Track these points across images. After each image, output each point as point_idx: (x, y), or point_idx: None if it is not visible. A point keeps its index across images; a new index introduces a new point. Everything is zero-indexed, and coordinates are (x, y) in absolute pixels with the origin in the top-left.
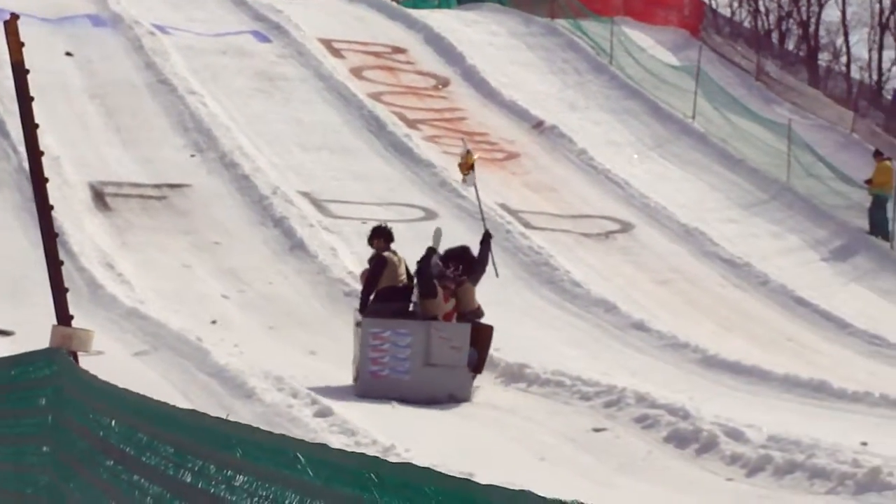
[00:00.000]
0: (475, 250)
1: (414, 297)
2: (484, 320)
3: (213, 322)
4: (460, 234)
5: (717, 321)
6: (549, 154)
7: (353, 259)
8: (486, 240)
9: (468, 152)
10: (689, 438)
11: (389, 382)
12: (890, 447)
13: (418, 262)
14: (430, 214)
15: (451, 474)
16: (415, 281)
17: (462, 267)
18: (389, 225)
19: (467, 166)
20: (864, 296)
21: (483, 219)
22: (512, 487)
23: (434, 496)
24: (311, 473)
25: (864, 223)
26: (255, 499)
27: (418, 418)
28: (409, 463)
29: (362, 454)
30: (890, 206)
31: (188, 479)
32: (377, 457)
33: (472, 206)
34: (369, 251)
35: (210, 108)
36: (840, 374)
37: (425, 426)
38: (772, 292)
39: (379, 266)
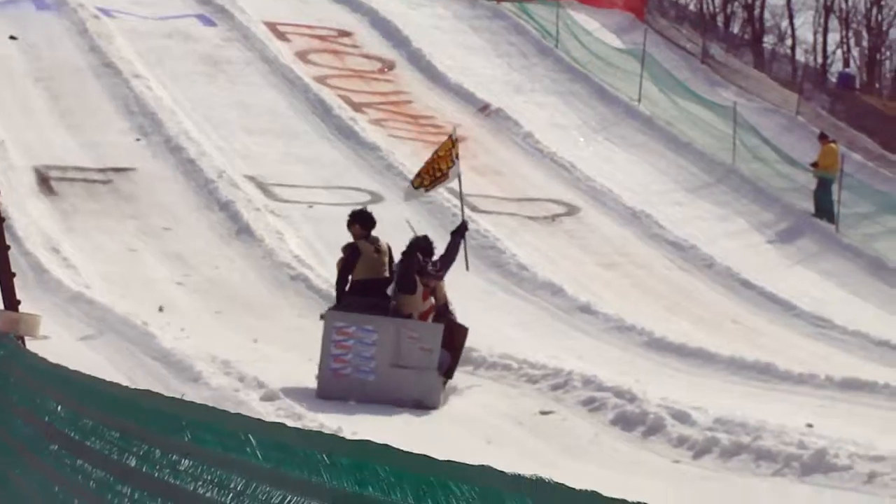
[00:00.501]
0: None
1: (390, 292)
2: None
3: (160, 309)
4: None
5: (663, 304)
6: (494, 137)
7: (300, 243)
8: (460, 230)
9: (453, 141)
10: (636, 421)
11: (352, 383)
12: (835, 429)
13: (403, 255)
14: (376, 198)
15: (412, 453)
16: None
17: (439, 262)
18: (369, 209)
19: (438, 164)
20: (810, 278)
21: (462, 209)
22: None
23: (387, 476)
24: (259, 457)
25: (810, 206)
26: (199, 482)
27: (365, 401)
28: (365, 440)
29: (318, 433)
30: (835, 188)
31: (133, 464)
32: (333, 435)
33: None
34: (317, 234)
35: (155, 92)
36: (786, 356)
37: (372, 409)
38: (717, 275)
39: (351, 256)
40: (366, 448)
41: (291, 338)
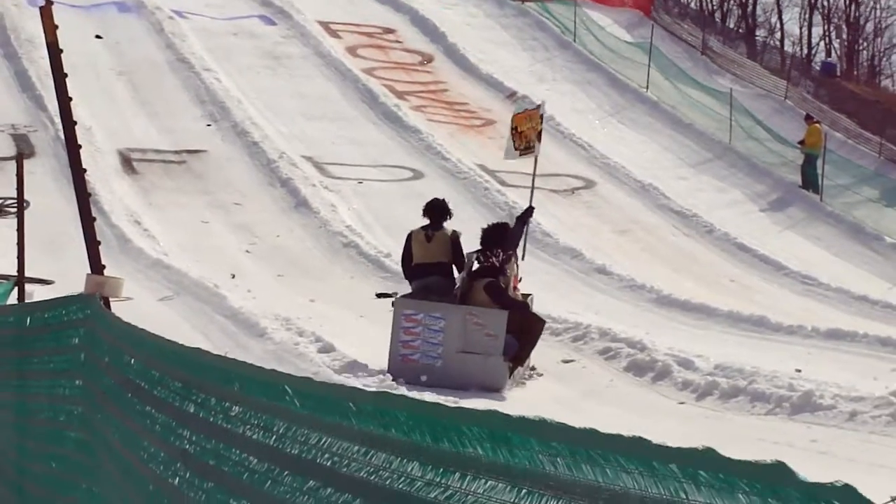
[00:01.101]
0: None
1: (458, 280)
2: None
3: (233, 277)
4: (444, 193)
5: (670, 265)
6: None
7: (351, 214)
8: (525, 216)
9: (540, 116)
10: (646, 368)
11: (420, 367)
12: (821, 373)
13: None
14: (417, 175)
15: (426, 401)
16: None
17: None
18: (444, 199)
19: (529, 135)
20: (798, 242)
21: (532, 193)
22: (481, 409)
23: (406, 421)
24: (297, 404)
25: (797, 178)
26: (247, 426)
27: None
28: (384, 392)
29: (342, 385)
30: (819, 163)
31: (191, 410)
32: (355, 387)
33: (454, 167)
34: (366, 207)
35: (223, 84)
36: (777, 311)
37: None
38: (717, 239)
39: (405, 242)
40: (384, 397)
41: (344, 297)
